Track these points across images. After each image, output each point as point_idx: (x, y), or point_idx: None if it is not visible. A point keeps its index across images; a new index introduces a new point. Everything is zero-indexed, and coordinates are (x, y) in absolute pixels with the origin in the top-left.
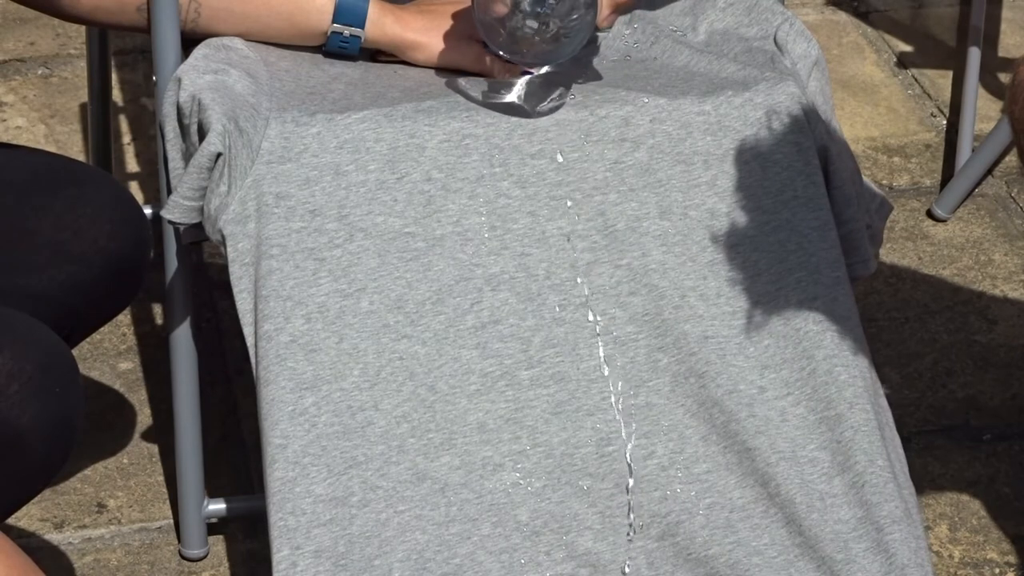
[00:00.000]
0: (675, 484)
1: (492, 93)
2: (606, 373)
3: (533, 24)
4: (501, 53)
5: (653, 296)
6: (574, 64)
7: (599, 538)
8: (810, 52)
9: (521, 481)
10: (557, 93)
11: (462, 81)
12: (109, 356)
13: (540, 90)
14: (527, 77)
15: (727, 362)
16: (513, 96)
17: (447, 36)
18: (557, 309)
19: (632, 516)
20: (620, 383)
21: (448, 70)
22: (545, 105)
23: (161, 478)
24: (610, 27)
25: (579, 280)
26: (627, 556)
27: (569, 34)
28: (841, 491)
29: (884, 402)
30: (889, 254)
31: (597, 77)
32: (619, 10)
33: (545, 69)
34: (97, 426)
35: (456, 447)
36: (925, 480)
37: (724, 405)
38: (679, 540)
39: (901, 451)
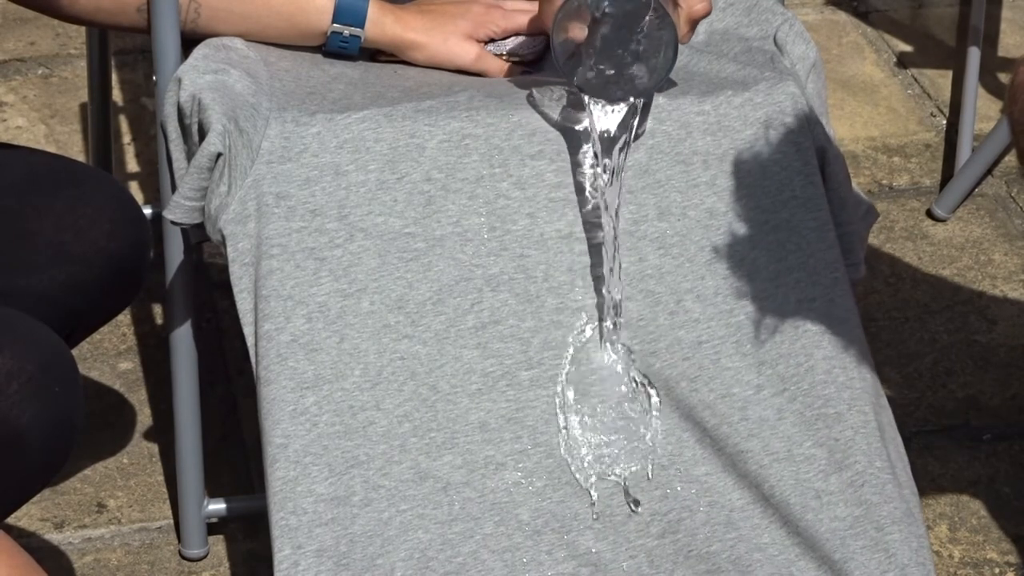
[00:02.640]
0: (675, 483)
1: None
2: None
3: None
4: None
5: (648, 302)
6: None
7: (600, 537)
8: (808, 54)
9: (522, 480)
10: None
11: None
12: (109, 356)
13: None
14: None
15: (721, 366)
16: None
17: (447, 36)
18: (555, 312)
19: (632, 514)
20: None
21: (449, 70)
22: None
23: (161, 478)
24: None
25: (577, 284)
26: (628, 555)
27: (652, 53)
28: (838, 489)
29: (885, 401)
30: (889, 254)
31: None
32: (696, 24)
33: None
34: (97, 426)
35: (458, 446)
36: (925, 480)
37: (716, 409)
38: (680, 537)
39: (903, 451)
